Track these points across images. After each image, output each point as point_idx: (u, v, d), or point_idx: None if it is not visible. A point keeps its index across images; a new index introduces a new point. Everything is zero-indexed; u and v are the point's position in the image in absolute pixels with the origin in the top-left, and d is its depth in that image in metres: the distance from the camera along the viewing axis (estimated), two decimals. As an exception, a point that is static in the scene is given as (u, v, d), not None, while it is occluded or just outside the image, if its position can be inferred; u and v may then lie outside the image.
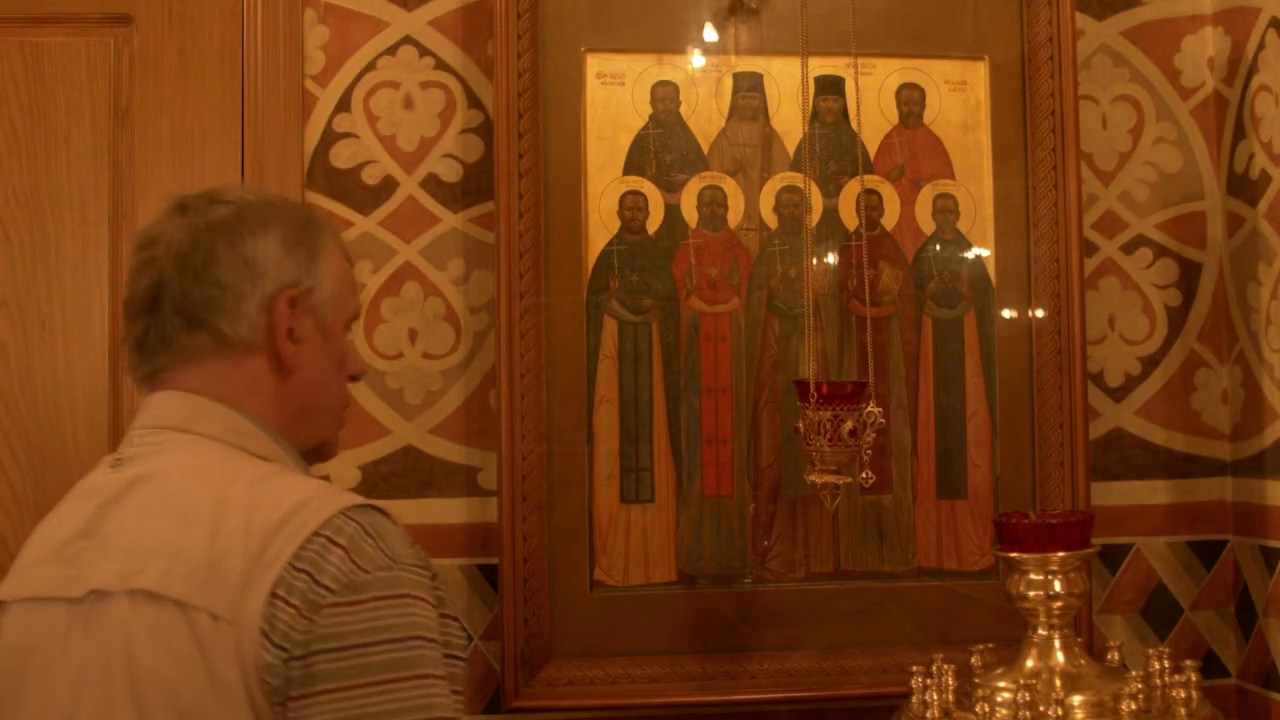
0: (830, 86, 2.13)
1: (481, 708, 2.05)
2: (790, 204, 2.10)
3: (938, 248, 2.14)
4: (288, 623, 1.09)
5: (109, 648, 1.15)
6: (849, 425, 1.80)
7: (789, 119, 2.11)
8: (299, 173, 2.09)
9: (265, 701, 1.10)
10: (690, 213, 2.09)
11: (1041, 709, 1.63)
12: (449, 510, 2.08)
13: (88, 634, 1.17)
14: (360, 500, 1.19)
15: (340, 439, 1.45)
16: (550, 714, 2.00)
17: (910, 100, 2.15)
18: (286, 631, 1.09)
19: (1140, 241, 2.27)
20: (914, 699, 1.76)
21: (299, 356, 1.31)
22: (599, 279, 2.06)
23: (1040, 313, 2.13)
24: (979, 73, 2.16)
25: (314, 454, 1.38)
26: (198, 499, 1.18)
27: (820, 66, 2.09)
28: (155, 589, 1.13)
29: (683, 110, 2.10)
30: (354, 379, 1.43)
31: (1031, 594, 1.74)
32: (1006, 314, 2.14)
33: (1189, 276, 2.27)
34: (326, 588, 1.10)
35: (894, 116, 2.15)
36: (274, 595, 1.10)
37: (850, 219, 2.12)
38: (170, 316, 1.27)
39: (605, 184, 2.08)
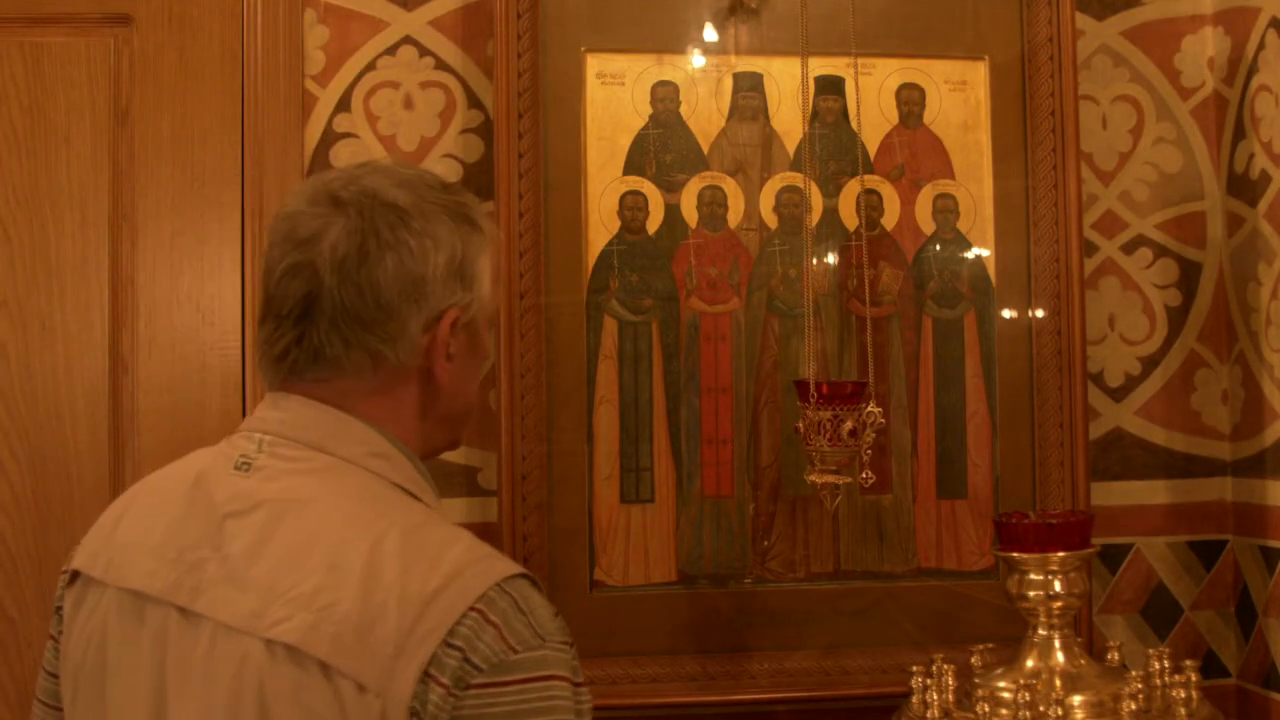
0: (830, 86, 2.13)
1: (481, 708, 2.05)
2: (790, 204, 2.10)
3: (938, 248, 2.14)
4: (436, 703, 1.04)
5: (239, 686, 1.08)
6: (849, 425, 1.80)
7: (789, 119, 2.11)
8: (299, 173, 2.09)
9: None
10: (690, 213, 2.09)
11: (1041, 709, 1.63)
12: (449, 510, 2.07)
13: (212, 661, 1.11)
14: (514, 569, 1.13)
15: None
16: (550, 714, 1.99)
17: (910, 100, 2.15)
18: (435, 712, 1.04)
19: (1140, 241, 2.27)
20: (914, 699, 1.76)
21: (451, 373, 1.25)
22: (599, 279, 2.06)
23: (1040, 313, 2.12)
24: (979, 73, 2.16)
25: (437, 453, 1.32)
26: (348, 545, 1.10)
27: (820, 66, 2.09)
28: (299, 645, 1.06)
29: (683, 110, 2.10)
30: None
31: (1031, 594, 1.74)
32: (1006, 314, 2.14)
33: (1189, 276, 2.27)
34: (476, 667, 1.05)
35: (894, 116, 2.15)
36: (427, 674, 1.04)
37: (850, 219, 2.12)
38: (323, 331, 1.18)
39: (605, 184, 2.08)
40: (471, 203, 1.29)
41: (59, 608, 1.29)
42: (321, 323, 1.18)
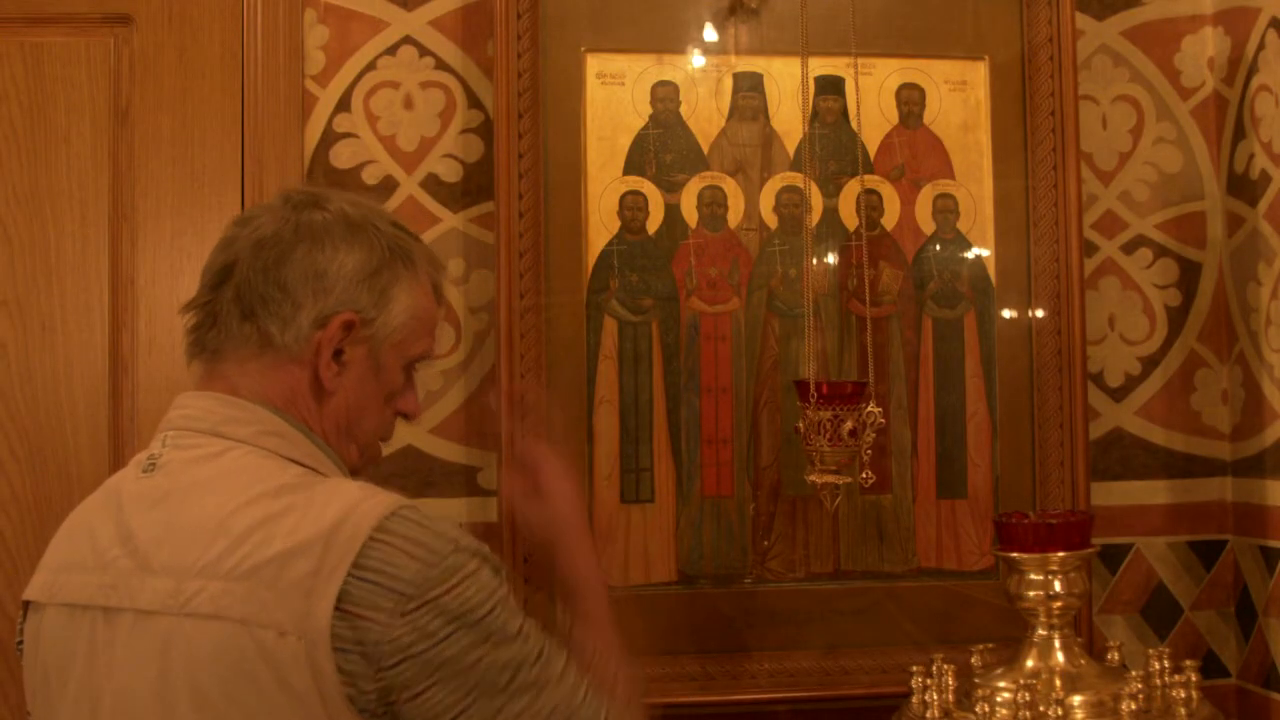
0: (830, 86, 2.13)
1: (481, 708, 2.05)
2: (790, 204, 2.10)
3: (938, 248, 2.14)
4: (364, 631, 1.10)
5: (164, 665, 1.13)
6: (849, 425, 1.80)
7: (789, 119, 2.11)
8: (299, 173, 2.09)
9: (345, 708, 1.10)
10: (690, 213, 2.09)
11: (1041, 709, 1.63)
12: (449, 510, 2.08)
13: (133, 649, 1.16)
14: (403, 499, 1.19)
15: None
16: (550, 714, 1.99)
17: (910, 100, 2.15)
18: (363, 640, 1.10)
19: (1140, 241, 2.27)
20: (914, 699, 1.76)
21: (340, 380, 1.29)
22: (599, 279, 2.06)
23: (1040, 313, 2.12)
24: (979, 73, 2.16)
25: (354, 465, 1.36)
26: (242, 513, 1.16)
27: (820, 66, 2.09)
28: (215, 611, 1.12)
29: (683, 110, 2.10)
30: (403, 416, 1.41)
31: (1031, 594, 1.74)
32: (1006, 314, 2.14)
33: (1189, 276, 2.27)
34: (400, 593, 1.11)
35: (894, 116, 2.15)
36: (340, 608, 1.09)
37: (850, 219, 2.12)
38: (229, 300, 1.26)
39: (605, 184, 2.08)
40: (416, 247, 1.37)
41: (20, 642, 1.34)
42: (229, 291, 1.26)
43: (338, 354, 1.28)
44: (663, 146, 2.09)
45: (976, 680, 1.76)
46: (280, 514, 1.15)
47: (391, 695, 1.11)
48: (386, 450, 2.07)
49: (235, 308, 1.26)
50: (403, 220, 2.11)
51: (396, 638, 1.10)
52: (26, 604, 1.32)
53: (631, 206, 2.08)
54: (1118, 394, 2.24)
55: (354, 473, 1.35)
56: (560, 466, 1.56)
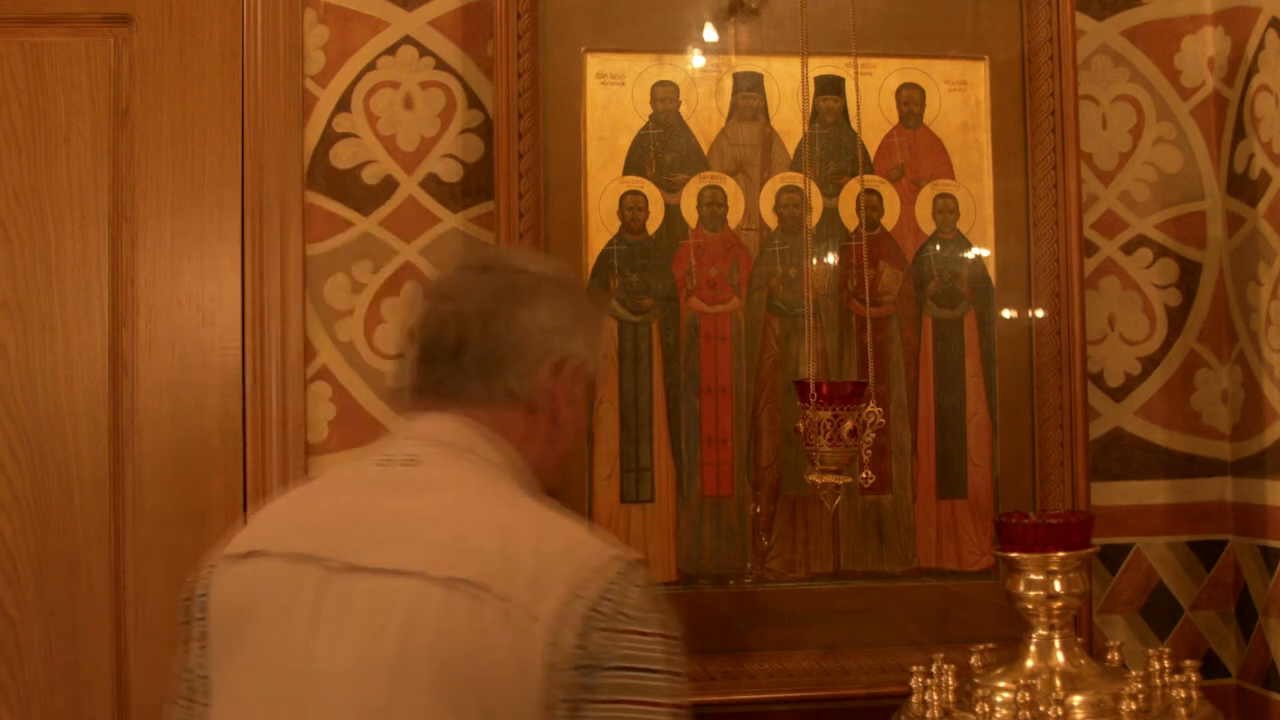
0: (830, 86, 2.13)
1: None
2: (790, 204, 2.10)
3: (938, 248, 2.14)
4: (589, 638, 1.24)
5: (410, 618, 1.25)
6: (849, 425, 1.80)
7: (789, 119, 2.11)
8: (299, 173, 2.09)
9: (554, 692, 1.23)
10: (690, 213, 2.09)
11: (1041, 709, 1.63)
12: (449, 510, 2.08)
13: (379, 601, 1.27)
14: (632, 552, 1.33)
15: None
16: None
17: (910, 100, 2.15)
18: (586, 645, 1.24)
19: (1140, 241, 2.27)
20: (914, 699, 1.76)
21: (569, 417, 1.49)
22: (599, 279, 2.06)
23: (1040, 313, 2.13)
24: (979, 73, 2.16)
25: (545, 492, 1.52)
26: (497, 516, 1.33)
27: (820, 66, 2.09)
28: (471, 578, 1.25)
29: (683, 110, 2.10)
30: None
31: (1031, 594, 1.74)
32: (1006, 314, 2.14)
33: (1189, 276, 2.27)
34: (626, 615, 1.26)
35: (894, 116, 2.15)
36: (589, 611, 1.24)
37: (850, 219, 2.12)
38: (470, 367, 1.43)
39: (605, 184, 2.08)
40: (594, 291, 1.63)
41: (190, 600, 1.42)
42: (468, 360, 1.43)
43: (570, 396, 1.48)
44: (663, 146, 2.09)
45: (976, 680, 1.76)
46: (532, 523, 1.33)
47: (573, 694, 1.24)
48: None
49: (478, 372, 1.43)
50: (403, 220, 2.14)
51: (604, 649, 1.25)
52: (221, 559, 1.39)
53: (631, 206, 2.08)
54: (1118, 394, 2.24)
55: (552, 494, 1.52)
56: None
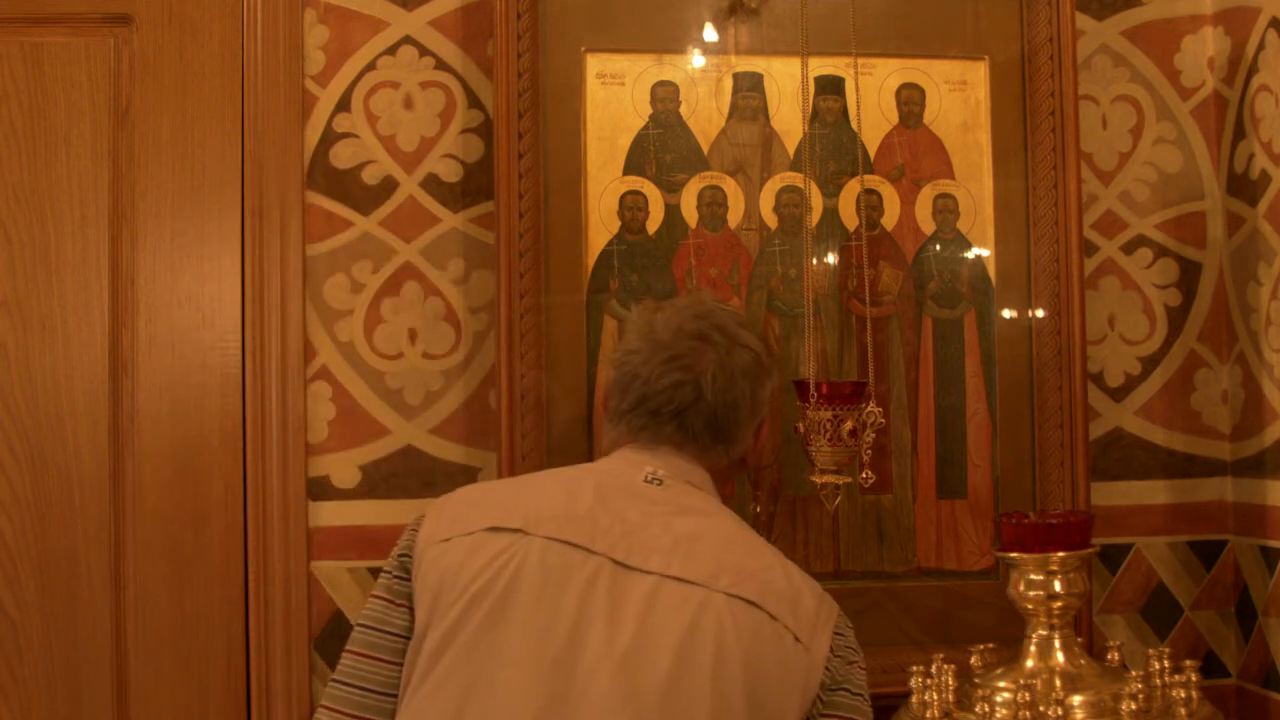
0: (830, 86, 2.13)
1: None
2: (790, 204, 2.10)
3: (938, 248, 2.14)
4: (834, 666, 1.50)
5: (695, 621, 1.43)
6: (849, 425, 1.80)
7: (789, 119, 2.11)
8: (299, 173, 2.09)
9: (805, 707, 1.47)
10: (690, 213, 2.09)
11: (1041, 709, 1.63)
12: (449, 510, 2.08)
13: (656, 602, 1.44)
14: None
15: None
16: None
17: (910, 100, 2.15)
18: (833, 671, 1.49)
19: (1140, 241, 2.27)
20: (914, 699, 1.76)
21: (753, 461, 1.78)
22: (599, 279, 2.06)
23: (1040, 313, 2.13)
24: (979, 73, 2.16)
25: None
26: (757, 545, 1.56)
27: (820, 66, 2.10)
28: (755, 599, 1.46)
29: (683, 110, 2.10)
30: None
31: (1031, 594, 1.74)
32: (1006, 314, 2.14)
33: (1189, 276, 2.27)
34: (853, 649, 1.54)
35: (894, 116, 2.15)
36: (831, 647, 1.49)
37: (850, 219, 2.12)
38: (700, 429, 1.63)
39: (605, 184, 2.08)
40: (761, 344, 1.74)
41: (405, 556, 1.54)
42: (698, 423, 1.64)
43: (760, 451, 1.77)
44: (663, 146, 2.09)
45: (976, 680, 1.76)
46: (771, 556, 1.55)
47: (817, 709, 1.50)
48: (386, 449, 2.10)
49: (707, 432, 1.64)
50: (403, 220, 2.14)
51: (843, 675, 1.51)
52: (491, 528, 1.50)
53: (631, 206, 2.08)
54: (1118, 394, 2.24)
55: None
56: None
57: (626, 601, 1.44)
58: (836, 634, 1.52)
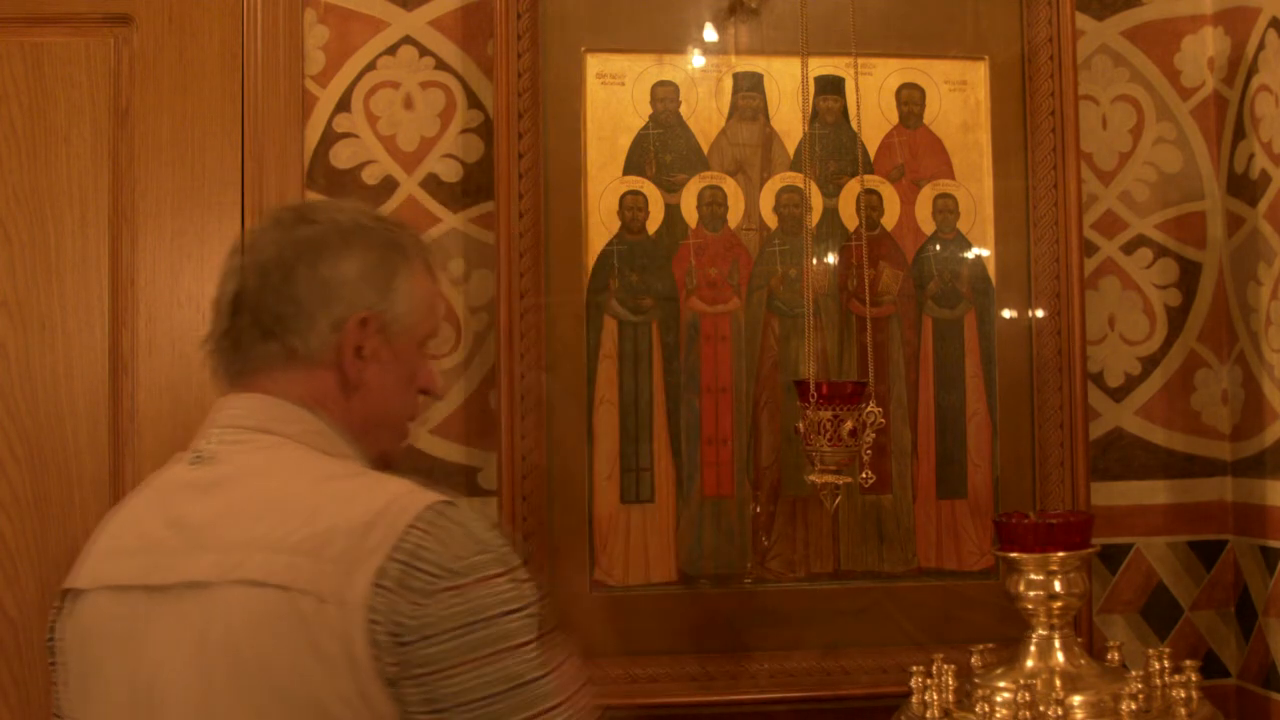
0: (830, 86, 2.13)
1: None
2: (790, 204, 2.10)
3: (938, 248, 2.14)
4: (394, 607, 1.17)
5: (203, 633, 1.21)
6: (849, 425, 1.80)
7: (789, 119, 2.11)
8: (299, 173, 2.09)
9: (374, 677, 1.17)
10: (690, 213, 2.09)
11: (1041, 709, 1.63)
12: (449, 510, 2.08)
13: (175, 619, 1.23)
14: (444, 496, 1.26)
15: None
16: (550, 714, 1.99)
17: (910, 100, 2.15)
18: (391, 616, 1.17)
19: (1140, 241, 2.27)
20: (914, 699, 1.76)
21: (366, 373, 1.38)
22: (599, 279, 2.06)
23: (1040, 313, 2.13)
24: (979, 73, 2.16)
25: (375, 464, 1.43)
26: (291, 494, 1.26)
27: (820, 66, 2.09)
28: (260, 578, 1.20)
29: (683, 110, 2.10)
30: (426, 393, 1.49)
31: (1031, 594, 1.74)
32: (1006, 314, 2.14)
33: (1189, 276, 2.27)
34: (431, 574, 1.18)
35: (894, 116, 2.15)
36: (378, 584, 1.17)
37: (850, 219, 2.12)
38: (247, 325, 1.36)
39: (605, 184, 2.08)
40: (403, 236, 1.45)
41: (50, 639, 1.38)
42: (245, 317, 1.36)
43: (358, 350, 1.37)
44: (663, 146, 2.09)
45: (976, 680, 1.76)
46: (330, 497, 1.25)
47: (409, 671, 1.18)
48: (386, 450, 2.07)
49: (255, 330, 1.35)
50: (402, 220, 2.13)
51: (419, 618, 1.17)
52: (64, 594, 1.37)
53: (631, 206, 2.08)
54: (1118, 394, 2.24)
55: (388, 457, 1.45)
56: None
57: (152, 640, 1.24)
58: (397, 558, 1.17)
